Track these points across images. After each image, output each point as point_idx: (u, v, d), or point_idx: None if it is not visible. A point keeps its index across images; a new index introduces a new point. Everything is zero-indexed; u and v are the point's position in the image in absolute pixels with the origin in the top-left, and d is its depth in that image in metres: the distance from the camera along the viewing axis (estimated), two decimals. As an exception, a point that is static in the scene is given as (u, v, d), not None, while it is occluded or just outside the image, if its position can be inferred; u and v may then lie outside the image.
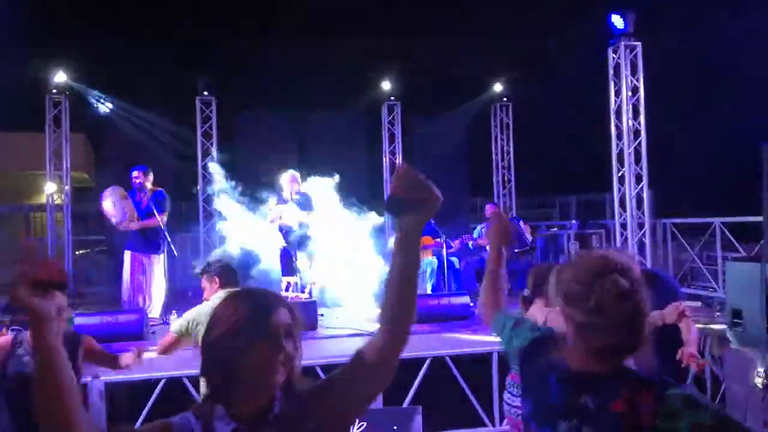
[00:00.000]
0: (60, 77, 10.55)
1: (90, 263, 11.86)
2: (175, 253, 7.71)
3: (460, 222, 11.26)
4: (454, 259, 8.59)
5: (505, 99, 12.86)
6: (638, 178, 9.05)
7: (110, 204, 7.26)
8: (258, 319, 1.40)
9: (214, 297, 3.92)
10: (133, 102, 11.43)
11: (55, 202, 11.14)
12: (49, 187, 11.06)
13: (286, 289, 7.36)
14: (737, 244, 8.18)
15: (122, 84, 11.23)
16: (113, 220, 7.28)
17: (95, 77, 10.90)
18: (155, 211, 7.29)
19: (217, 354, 1.40)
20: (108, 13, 11.16)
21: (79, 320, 6.62)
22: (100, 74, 10.90)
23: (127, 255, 7.39)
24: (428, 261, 8.46)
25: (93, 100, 11.09)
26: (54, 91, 10.72)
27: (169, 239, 7.55)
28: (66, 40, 10.81)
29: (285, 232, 7.74)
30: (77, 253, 11.68)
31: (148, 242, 7.38)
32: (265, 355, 1.38)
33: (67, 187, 11.04)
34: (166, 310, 7.29)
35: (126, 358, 3.72)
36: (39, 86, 10.61)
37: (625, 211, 9.09)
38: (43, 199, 11.42)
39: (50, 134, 10.83)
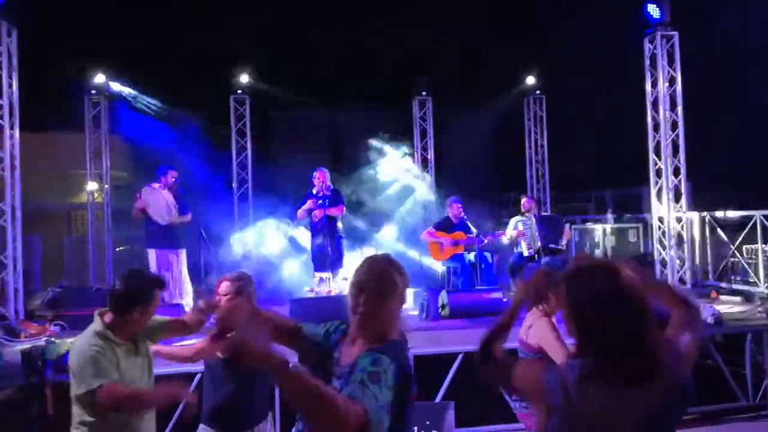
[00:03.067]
0: (99, 78, 10.82)
1: (129, 259, 12.13)
2: (211, 249, 7.86)
3: (492, 216, 11.17)
4: (487, 254, 8.53)
5: (538, 92, 12.72)
6: (676, 171, 8.86)
7: (155, 200, 7.43)
8: None
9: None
10: (169, 101, 11.64)
11: (96, 200, 11.45)
12: (90, 186, 11.37)
13: (319, 284, 7.43)
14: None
15: (158, 83, 11.44)
16: (158, 217, 7.43)
17: (132, 77, 11.13)
18: (181, 209, 7.50)
19: None
20: (143, 12, 11.34)
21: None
22: (137, 74, 11.12)
23: (152, 253, 7.51)
24: (460, 256, 8.41)
25: (130, 100, 11.33)
26: (93, 92, 11.00)
27: (205, 235, 7.70)
28: (103, 40, 11.04)
29: (316, 227, 7.82)
30: (117, 249, 11.95)
31: (172, 238, 7.52)
32: None
33: (106, 186, 11.34)
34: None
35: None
36: (78, 87, 10.90)
37: (662, 204, 8.92)
38: (84, 198, 11.74)
39: (90, 134, 11.11)
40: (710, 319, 6.41)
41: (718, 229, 9.03)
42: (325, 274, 7.47)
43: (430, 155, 12.02)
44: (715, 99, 12.16)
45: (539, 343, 3.63)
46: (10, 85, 7.44)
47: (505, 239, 8.86)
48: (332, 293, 7.42)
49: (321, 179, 7.85)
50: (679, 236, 8.83)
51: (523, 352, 3.88)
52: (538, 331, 3.65)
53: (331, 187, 7.96)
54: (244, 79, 11.50)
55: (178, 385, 3.00)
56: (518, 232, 8.78)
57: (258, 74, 11.68)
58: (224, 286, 3.22)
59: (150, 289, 2.99)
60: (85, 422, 2.83)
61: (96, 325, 2.93)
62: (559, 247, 8.99)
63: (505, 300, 7.48)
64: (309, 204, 7.85)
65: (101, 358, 2.80)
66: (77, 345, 2.91)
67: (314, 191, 7.91)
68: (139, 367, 3.02)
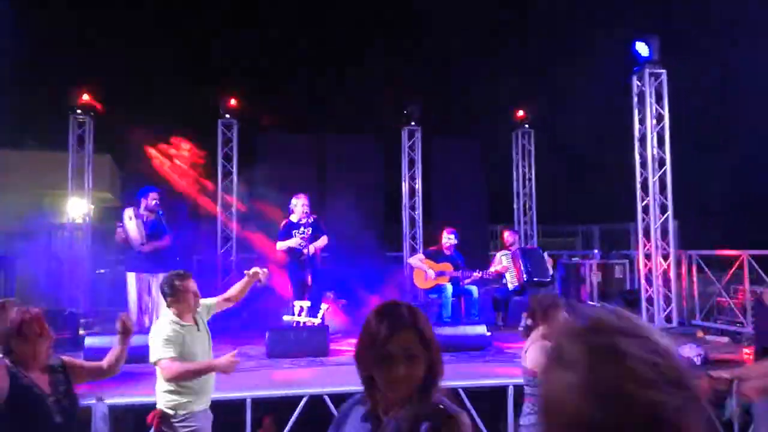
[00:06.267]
0: (85, 97, 10.70)
1: (109, 282, 11.86)
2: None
3: (478, 250, 11.07)
4: (473, 288, 8.38)
5: (527, 126, 12.72)
6: (663, 208, 8.82)
7: (134, 225, 7.27)
8: None
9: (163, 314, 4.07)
10: (156, 123, 11.52)
11: (76, 221, 11.22)
12: (70, 206, 11.16)
13: (298, 314, 7.24)
14: (766, 278, 7.89)
15: (146, 105, 11.36)
16: (134, 242, 7.26)
17: (119, 98, 11.03)
18: (165, 232, 7.34)
19: None
20: (132, 32, 11.31)
21: (89, 341, 6.55)
22: (123, 95, 11.03)
23: (131, 276, 7.33)
24: (443, 287, 8.25)
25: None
26: (78, 111, 10.85)
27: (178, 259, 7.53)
28: (90, 60, 10.96)
29: (295, 255, 7.66)
30: (97, 272, 11.69)
31: (152, 262, 7.32)
32: None
33: (90, 206, 11.12)
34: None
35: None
36: (64, 106, 10.77)
37: (649, 241, 8.84)
38: (64, 219, 11.53)
39: (73, 154, 10.93)
40: (697, 360, 6.28)
41: (705, 268, 8.96)
42: (305, 303, 7.29)
43: (418, 185, 11.94)
44: (705, 136, 12.22)
45: (534, 368, 3.55)
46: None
47: (491, 270, 8.75)
48: (313, 324, 7.23)
49: (303, 207, 7.70)
50: (666, 274, 8.75)
51: (524, 377, 3.80)
52: (534, 356, 3.60)
53: (312, 215, 7.80)
54: (233, 103, 11.43)
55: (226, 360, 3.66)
56: (503, 267, 8.71)
57: (248, 100, 11.60)
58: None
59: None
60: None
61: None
62: (546, 279, 8.88)
63: (489, 335, 7.33)
64: (294, 242, 7.66)
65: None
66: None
67: (294, 219, 7.75)
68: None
